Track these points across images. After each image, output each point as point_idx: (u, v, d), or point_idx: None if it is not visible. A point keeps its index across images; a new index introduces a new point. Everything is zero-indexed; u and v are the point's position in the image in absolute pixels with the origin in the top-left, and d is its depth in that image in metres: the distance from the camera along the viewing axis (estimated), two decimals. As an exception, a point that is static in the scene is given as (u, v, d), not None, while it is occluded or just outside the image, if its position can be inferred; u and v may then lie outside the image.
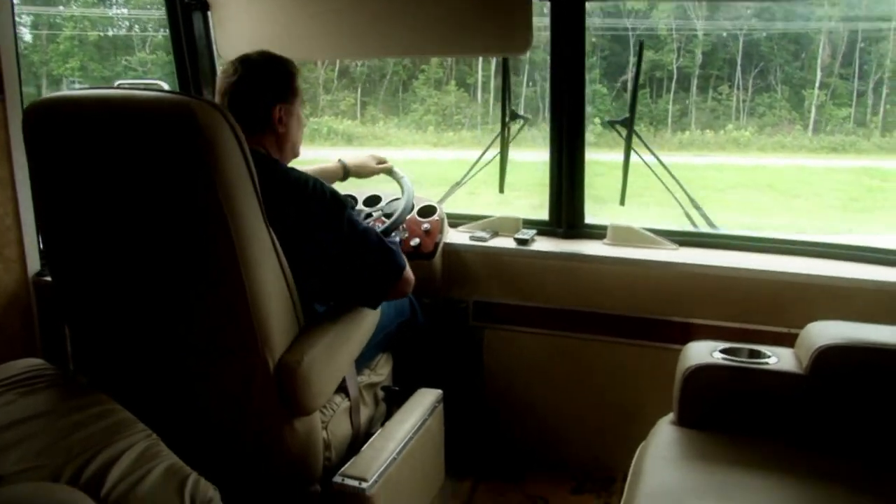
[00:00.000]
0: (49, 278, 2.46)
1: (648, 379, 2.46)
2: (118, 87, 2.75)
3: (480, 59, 8.55)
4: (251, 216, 1.64)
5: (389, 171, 2.59)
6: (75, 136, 1.69)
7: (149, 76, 7.92)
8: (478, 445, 2.77)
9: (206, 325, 1.76)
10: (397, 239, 2.55)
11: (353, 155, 2.61)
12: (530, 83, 8.78)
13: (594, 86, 8.47)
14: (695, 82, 8.42)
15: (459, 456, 2.63)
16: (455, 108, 9.06)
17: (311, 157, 2.23)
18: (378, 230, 2.10)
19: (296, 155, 2.13)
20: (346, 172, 2.56)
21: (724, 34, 8.34)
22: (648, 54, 7.80)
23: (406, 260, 2.06)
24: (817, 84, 8.22)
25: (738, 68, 8.31)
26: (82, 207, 1.75)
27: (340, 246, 1.91)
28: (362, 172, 2.59)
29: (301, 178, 1.91)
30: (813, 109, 8.36)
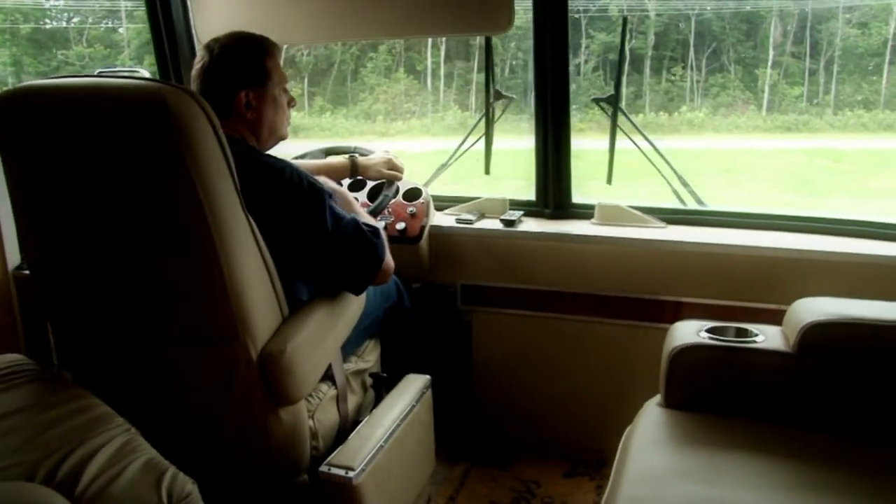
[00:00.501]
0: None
1: (640, 359, 2.44)
2: (98, 75, 2.72)
3: (429, 43, 8.42)
4: (228, 202, 1.61)
5: (396, 179, 2.53)
6: (47, 127, 1.65)
7: (87, 70, 7.72)
8: (469, 430, 2.76)
9: (187, 314, 1.73)
10: (382, 224, 2.52)
11: (368, 157, 2.53)
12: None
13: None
14: (648, 64, 8.31)
15: (451, 441, 2.62)
16: (405, 97, 8.86)
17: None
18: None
19: (280, 138, 2.08)
20: (353, 170, 2.50)
21: (677, 14, 8.28)
22: (600, 36, 7.67)
23: (386, 246, 2.02)
24: (770, 63, 8.14)
25: (692, 49, 8.22)
26: (57, 199, 1.72)
27: (318, 236, 1.87)
28: (368, 174, 2.52)
29: (278, 165, 1.87)
30: (766, 89, 8.29)
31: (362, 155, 2.55)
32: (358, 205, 2.23)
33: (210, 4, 2.71)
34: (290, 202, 1.84)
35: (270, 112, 2.00)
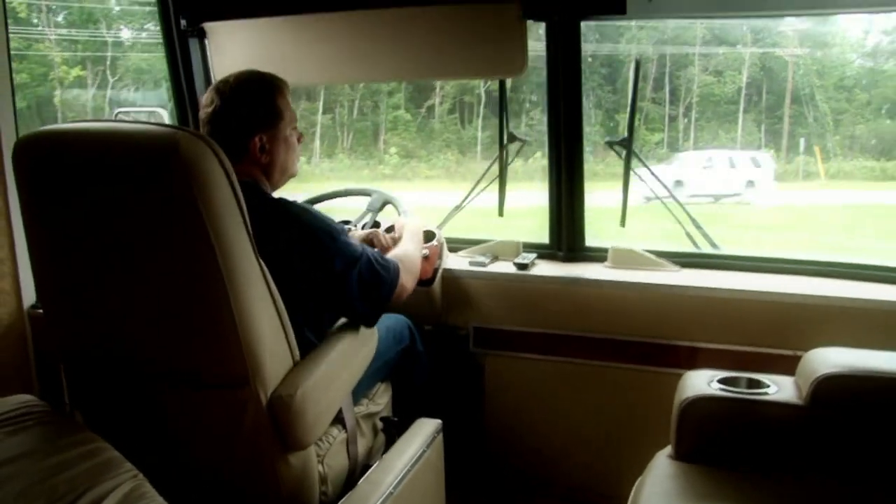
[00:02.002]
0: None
1: (654, 405, 2.40)
2: (117, 116, 2.75)
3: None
4: (240, 247, 1.61)
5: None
6: (64, 169, 1.67)
7: None
8: (482, 475, 2.72)
9: (197, 358, 1.72)
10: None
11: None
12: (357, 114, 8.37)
13: (398, 111, 8.15)
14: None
15: (463, 487, 2.58)
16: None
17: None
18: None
19: (291, 176, 2.09)
20: None
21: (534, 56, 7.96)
22: (453, 77, 7.55)
23: (399, 277, 2.03)
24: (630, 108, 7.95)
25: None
26: (71, 240, 1.73)
27: (324, 276, 1.88)
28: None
29: (289, 207, 1.89)
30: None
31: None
32: (415, 238, 2.34)
33: (228, 49, 2.75)
34: (297, 244, 1.85)
35: (283, 153, 2.00)
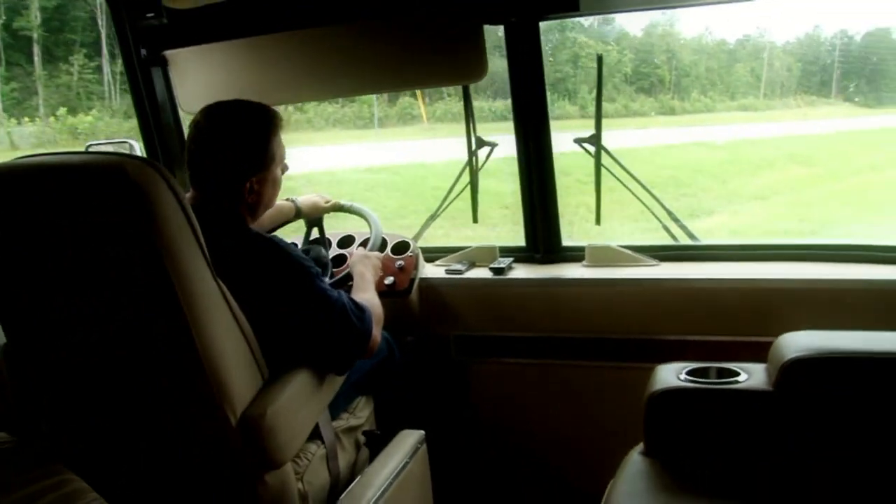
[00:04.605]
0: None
1: (636, 401, 2.38)
2: (88, 148, 2.73)
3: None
4: (196, 272, 1.59)
5: (339, 208, 2.55)
6: (19, 205, 1.65)
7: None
8: (469, 484, 2.69)
9: (163, 386, 1.70)
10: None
11: (304, 196, 2.56)
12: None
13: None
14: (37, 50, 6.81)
15: (451, 496, 2.56)
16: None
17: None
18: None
19: (269, 208, 2.07)
20: (297, 212, 2.52)
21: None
22: None
23: (373, 325, 1.99)
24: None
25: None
26: (29, 275, 1.71)
27: (297, 317, 1.85)
28: (314, 213, 2.56)
29: (266, 245, 1.86)
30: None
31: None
32: (374, 276, 2.27)
33: (191, 75, 2.74)
34: (276, 284, 1.84)
35: (269, 192, 1.99)
